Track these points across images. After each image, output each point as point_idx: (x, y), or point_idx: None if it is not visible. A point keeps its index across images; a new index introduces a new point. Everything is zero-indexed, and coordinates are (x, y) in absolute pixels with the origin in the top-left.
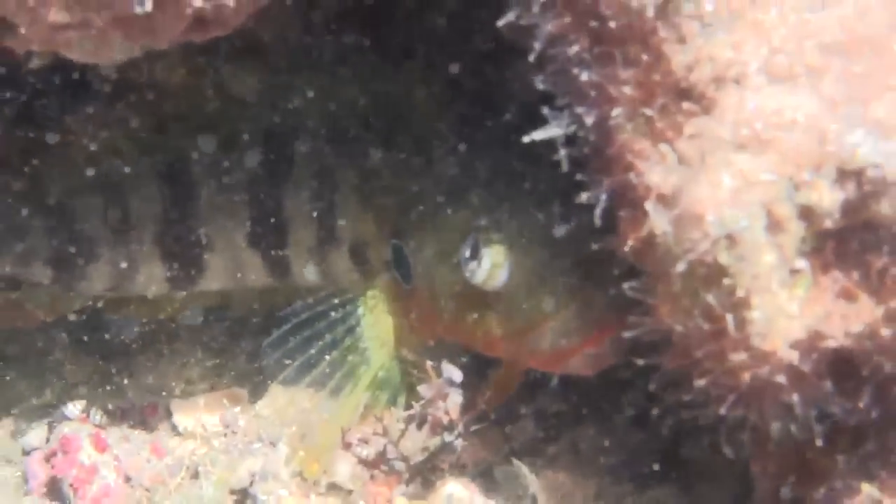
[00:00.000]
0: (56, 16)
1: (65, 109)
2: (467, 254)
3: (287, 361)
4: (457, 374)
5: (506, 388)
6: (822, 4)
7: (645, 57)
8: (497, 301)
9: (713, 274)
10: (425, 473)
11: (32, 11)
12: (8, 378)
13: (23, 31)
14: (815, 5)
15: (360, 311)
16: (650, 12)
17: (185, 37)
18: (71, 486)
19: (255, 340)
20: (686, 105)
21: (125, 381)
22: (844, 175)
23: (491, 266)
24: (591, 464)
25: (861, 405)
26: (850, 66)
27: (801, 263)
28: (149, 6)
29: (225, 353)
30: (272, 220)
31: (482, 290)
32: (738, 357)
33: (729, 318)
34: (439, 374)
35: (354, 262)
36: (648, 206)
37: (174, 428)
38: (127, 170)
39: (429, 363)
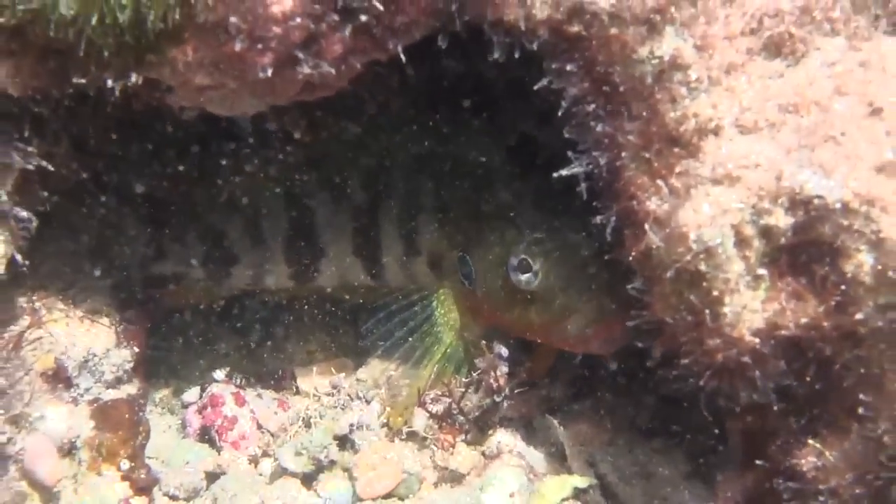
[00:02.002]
0: (201, 80)
1: (215, 151)
2: (514, 264)
3: (380, 342)
4: (505, 351)
5: (543, 364)
6: (780, 74)
7: (645, 113)
8: (535, 300)
9: (695, 278)
10: (480, 425)
11: (183, 76)
12: (172, 350)
13: (177, 91)
14: (775, 74)
15: (434, 304)
16: (649, 80)
17: (300, 96)
18: (217, 431)
19: (357, 323)
20: (676, 150)
21: (260, 353)
22: (795, 204)
23: (531, 273)
24: (606, 419)
25: (807, 379)
26: (800, 122)
27: (762, 271)
28: (269, 72)
29: (336, 333)
30: (371, 236)
31: (525, 291)
32: (714, 342)
33: (707, 312)
34: (491, 350)
35: (431, 268)
36: (647, 226)
37: (296, 388)
38: (262, 197)
39: (483, 343)
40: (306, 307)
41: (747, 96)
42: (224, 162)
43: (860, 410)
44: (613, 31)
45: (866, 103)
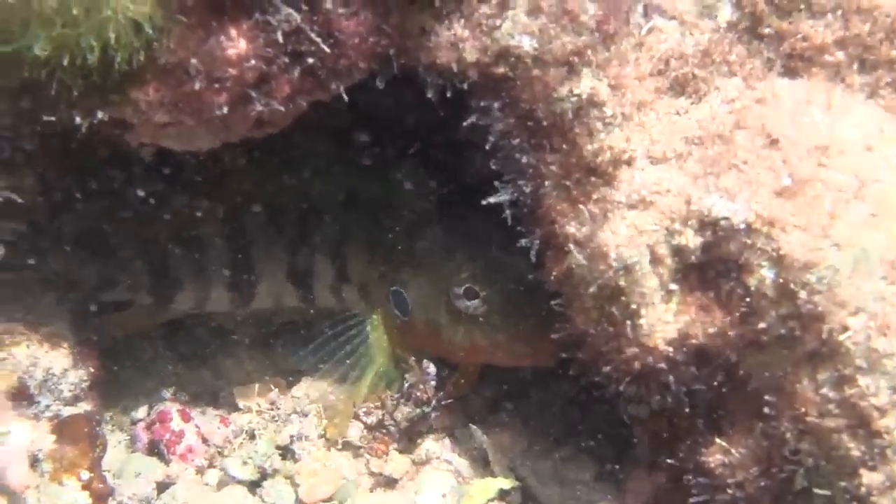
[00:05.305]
0: (160, 118)
1: (167, 187)
2: (459, 292)
3: (319, 365)
4: (432, 368)
5: (467, 381)
6: (685, 110)
7: (565, 146)
8: (481, 323)
9: (615, 293)
10: (410, 434)
11: (144, 114)
12: (122, 371)
13: (137, 129)
14: (681, 111)
15: (368, 328)
16: (569, 115)
17: (249, 133)
18: (165, 445)
19: (292, 344)
20: (594, 179)
21: (202, 373)
22: (704, 225)
23: (478, 300)
24: (523, 428)
25: (715, 384)
26: (705, 152)
27: (674, 286)
28: (225, 110)
29: (271, 354)
30: (304, 263)
31: (469, 316)
32: (632, 350)
33: (626, 323)
34: (420, 367)
35: (361, 295)
36: (571, 246)
37: (235, 405)
38: (203, 229)
39: (413, 360)
40: (244, 330)
41: (656, 130)
42: (169, 195)
43: (765, 410)
44: (536, 72)
45: (764, 135)
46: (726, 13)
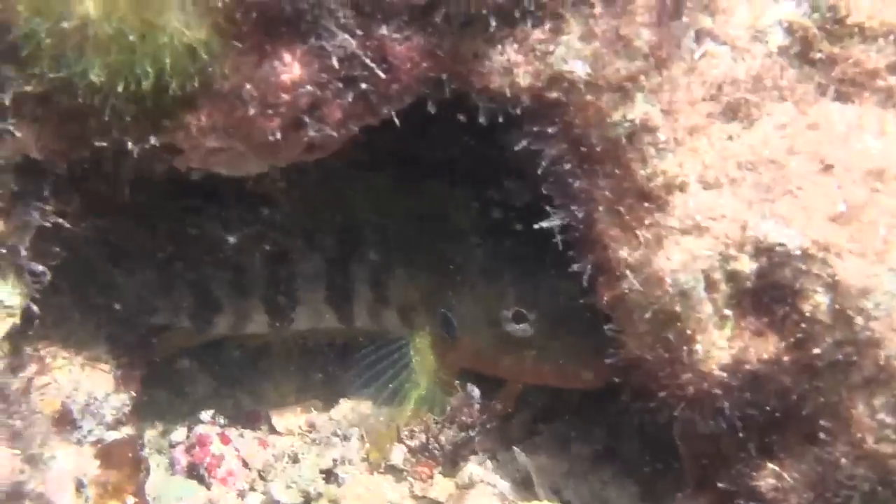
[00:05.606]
0: (212, 143)
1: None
2: (508, 316)
3: (363, 389)
4: (476, 391)
5: (509, 402)
6: (737, 135)
7: (618, 171)
8: (531, 346)
9: (670, 319)
10: (454, 457)
11: (195, 140)
12: (159, 393)
13: (187, 154)
14: (733, 136)
15: (411, 352)
16: (623, 140)
17: (298, 157)
18: (206, 468)
19: (329, 365)
20: (646, 204)
21: (241, 396)
22: (759, 251)
23: (527, 323)
24: (564, 450)
25: (768, 408)
26: (759, 178)
27: (728, 312)
28: (277, 136)
29: (307, 376)
30: (343, 286)
31: (519, 339)
32: (687, 376)
33: (683, 349)
34: (464, 390)
35: (401, 319)
36: (626, 272)
37: (273, 428)
38: (242, 251)
39: (457, 383)
40: (280, 353)
41: (709, 155)
42: (209, 218)
43: (820, 435)
44: (589, 97)
45: (818, 161)
46: (778, 38)
